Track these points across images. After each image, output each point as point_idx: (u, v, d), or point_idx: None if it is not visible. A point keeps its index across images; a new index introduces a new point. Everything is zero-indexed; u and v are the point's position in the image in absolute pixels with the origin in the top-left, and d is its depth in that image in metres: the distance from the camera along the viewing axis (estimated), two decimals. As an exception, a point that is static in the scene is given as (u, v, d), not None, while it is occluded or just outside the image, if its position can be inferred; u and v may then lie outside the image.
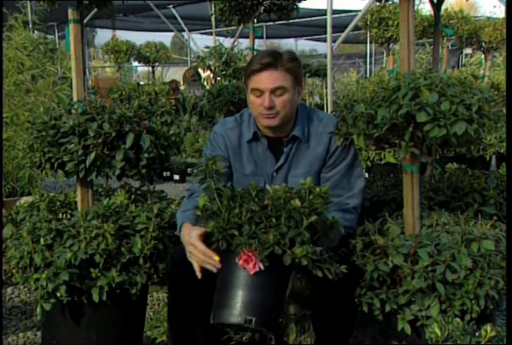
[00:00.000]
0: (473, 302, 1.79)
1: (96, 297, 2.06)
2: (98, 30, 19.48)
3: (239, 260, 1.65)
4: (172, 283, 2.02)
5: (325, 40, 6.03)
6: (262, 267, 1.64)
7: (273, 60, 2.04)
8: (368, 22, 6.43)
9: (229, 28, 7.53)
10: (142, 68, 19.37)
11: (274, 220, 1.66)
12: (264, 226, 1.66)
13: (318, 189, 1.73)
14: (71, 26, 2.26)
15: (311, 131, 2.17)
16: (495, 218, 2.10)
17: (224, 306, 1.69)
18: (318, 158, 2.14)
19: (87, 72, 11.17)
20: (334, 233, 1.79)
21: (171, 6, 11.20)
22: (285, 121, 2.12)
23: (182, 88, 11.56)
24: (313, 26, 13.69)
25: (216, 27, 10.17)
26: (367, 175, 5.76)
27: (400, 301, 1.87)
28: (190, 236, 1.80)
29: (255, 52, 4.38)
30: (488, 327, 1.48)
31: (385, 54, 7.33)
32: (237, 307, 1.67)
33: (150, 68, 10.43)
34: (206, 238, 1.77)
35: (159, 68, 12.50)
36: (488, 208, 2.31)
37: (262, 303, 1.69)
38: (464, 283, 1.80)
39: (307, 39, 19.05)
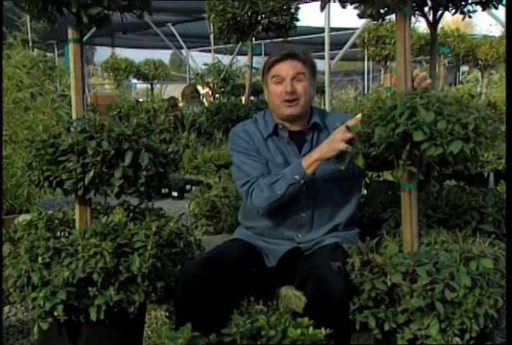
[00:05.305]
0: (472, 321, 1.78)
1: (93, 316, 2.05)
2: (98, 48, 19.63)
3: None
4: (181, 305, 2.02)
5: (323, 57, 6.06)
6: None
7: (292, 52, 2.26)
8: (366, 40, 6.48)
9: (228, 45, 7.60)
10: (140, 85, 19.49)
11: None
12: None
13: None
14: (71, 45, 2.27)
15: (327, 122, 2.29)
16: (493, 236, 2.09)
17: None
18: None
19: (86, 90, 11.23)
20: None
21: (170, 24, 11.30)
22: (304, 111, 2.24)
23: (181, 104, 11.62)
24: (311, 43, 13.77)
25: (214, 45, 10.24)
26: (365, 192, 5.76)
27: (399, 320, 1.86)
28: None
29: (253, 70, 4.41)
30: (488, 346, 1.47)
31: (382, 72, 7.37)
32: None
33: (149, 85, 10.50)
34: None
35: (158, 85, 12.58)
36: (486, 226, 2.31)
37: None
38: (464, 302, 1.79)
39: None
